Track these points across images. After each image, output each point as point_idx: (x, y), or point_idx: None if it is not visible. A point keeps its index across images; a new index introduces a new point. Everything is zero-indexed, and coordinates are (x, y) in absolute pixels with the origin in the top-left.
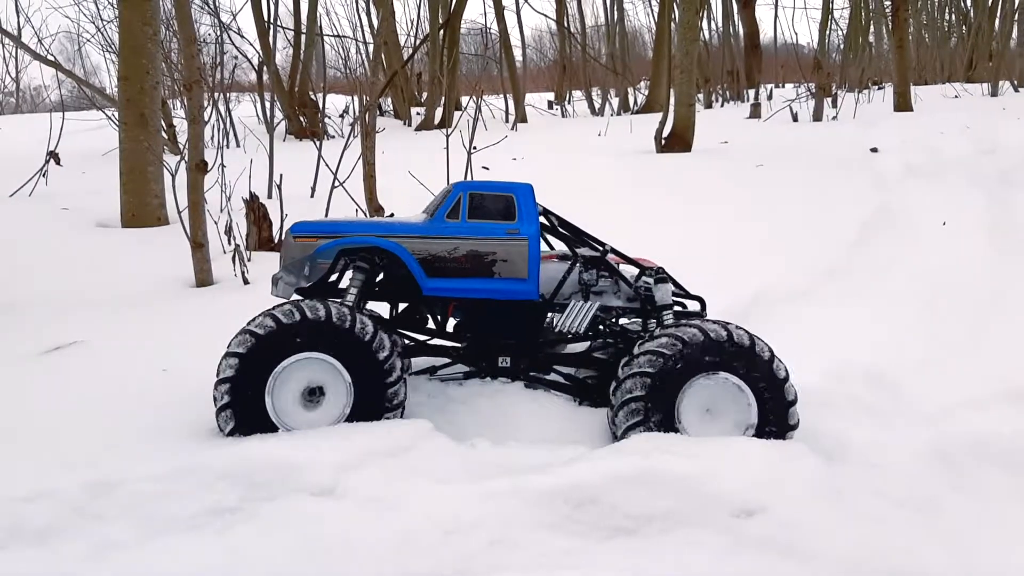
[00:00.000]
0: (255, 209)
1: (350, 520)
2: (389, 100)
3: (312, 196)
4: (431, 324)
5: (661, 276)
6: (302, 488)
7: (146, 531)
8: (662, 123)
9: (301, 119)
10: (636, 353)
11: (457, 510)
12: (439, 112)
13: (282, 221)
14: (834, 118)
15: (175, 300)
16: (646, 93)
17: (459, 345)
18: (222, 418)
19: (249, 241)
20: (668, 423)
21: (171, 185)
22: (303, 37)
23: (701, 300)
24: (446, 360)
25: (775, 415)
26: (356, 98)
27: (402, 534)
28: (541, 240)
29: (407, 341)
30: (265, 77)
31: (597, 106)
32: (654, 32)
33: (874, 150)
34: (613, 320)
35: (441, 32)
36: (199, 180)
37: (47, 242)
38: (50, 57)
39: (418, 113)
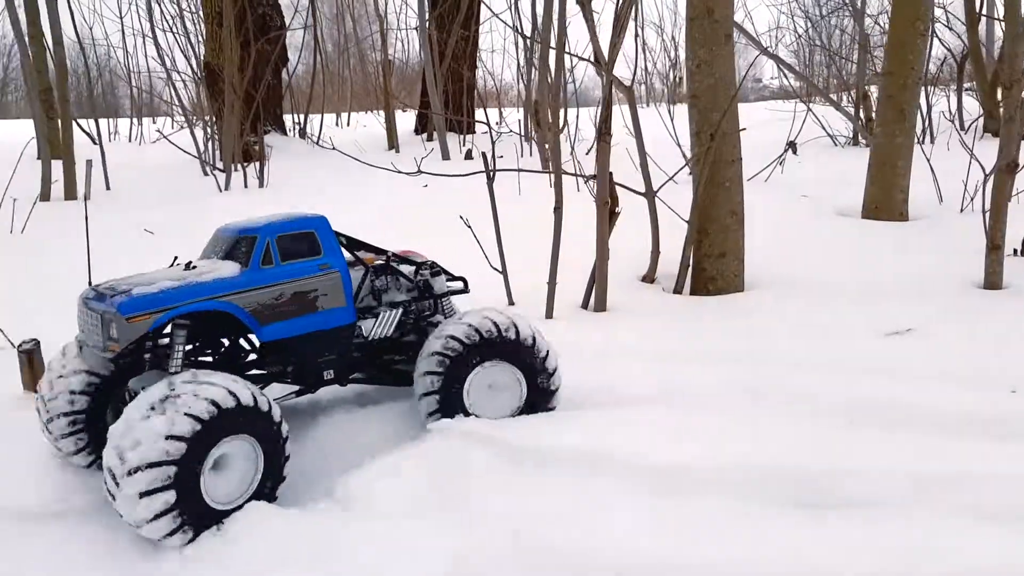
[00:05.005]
0: None
1: None
2: None
3: None
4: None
5: (435, 270)
6: None
7: None
8: None
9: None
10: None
11: None
12: None
13: None
14: None
15: (964, 298)
16: None
17: (278, 369)
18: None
19: None
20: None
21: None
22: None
23: (464, 280)
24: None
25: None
26: None
27: None
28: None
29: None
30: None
31: None
32: None
33: None
34: (411, 316)
35: None
36: (1006, 181)
37: (803, 228)
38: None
39: None
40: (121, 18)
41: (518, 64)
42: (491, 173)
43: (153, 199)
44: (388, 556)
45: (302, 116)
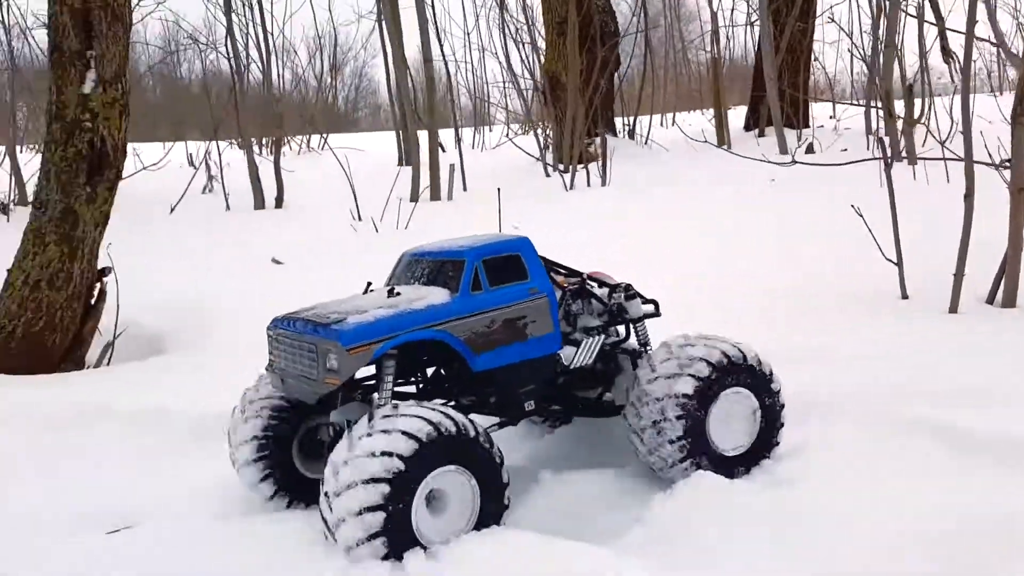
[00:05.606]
0: None
1: None
2: None
3: None
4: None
5: (630, 293)
6: None
7: None
8: None
9: None
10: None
11: None
12: None
13: None
14: None
15: None
16: None
17: (477, 400)
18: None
19: None
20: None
21: None
22: None
23: (655, 303)
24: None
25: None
26: None
27: None
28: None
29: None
30: None
31: None
32: None
33: None
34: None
35: None
36: None
37: None
38: None
39: None
40: (467, 34)
41: (862, 52)
42: (889, 160)
43: (508, 198)
44: (837, 531)
45: (631, 118)
